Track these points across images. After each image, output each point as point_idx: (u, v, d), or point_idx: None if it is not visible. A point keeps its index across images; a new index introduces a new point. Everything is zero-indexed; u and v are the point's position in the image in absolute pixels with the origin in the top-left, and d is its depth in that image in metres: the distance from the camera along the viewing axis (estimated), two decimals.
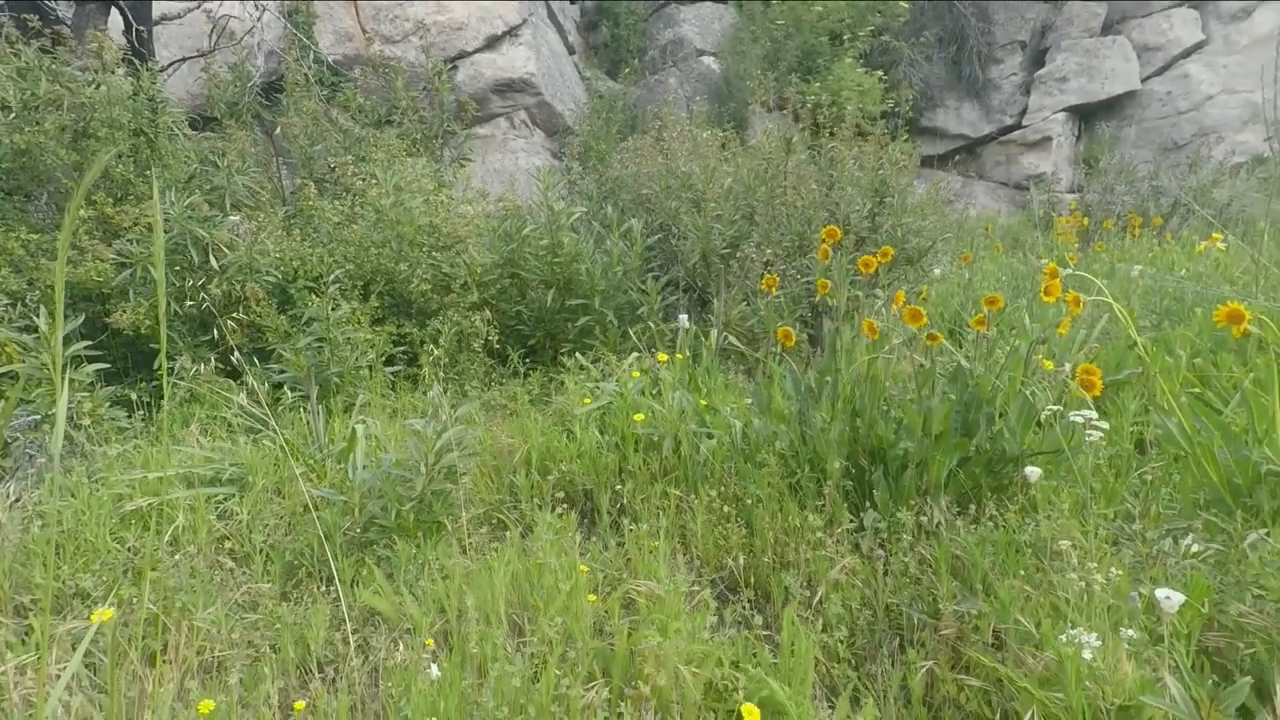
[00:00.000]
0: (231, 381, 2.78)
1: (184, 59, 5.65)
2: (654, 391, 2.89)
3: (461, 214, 3.60)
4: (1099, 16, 9.01)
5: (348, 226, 3.51)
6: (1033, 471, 2.06)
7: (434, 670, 1.18)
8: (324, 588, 1.57)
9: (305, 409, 2.32)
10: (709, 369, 3.04)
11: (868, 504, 2.24)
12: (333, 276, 2.93)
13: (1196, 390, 2.58)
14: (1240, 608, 1.51)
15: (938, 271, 5.32)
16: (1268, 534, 1.63)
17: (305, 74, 5.13)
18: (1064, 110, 9.12)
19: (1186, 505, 2.01)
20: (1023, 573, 1.74)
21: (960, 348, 3.24)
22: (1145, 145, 8.66)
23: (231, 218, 3.15)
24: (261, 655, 1.42)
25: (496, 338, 3.49)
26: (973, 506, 2.13)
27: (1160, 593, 1.46)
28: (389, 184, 3.58)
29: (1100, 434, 1.68)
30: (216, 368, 2.89)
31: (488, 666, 1.25)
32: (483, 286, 3.76)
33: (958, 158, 10.40)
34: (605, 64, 10.84)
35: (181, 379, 2.67)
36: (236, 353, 2.71)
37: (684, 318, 2.89)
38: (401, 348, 3.48)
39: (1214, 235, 3.66)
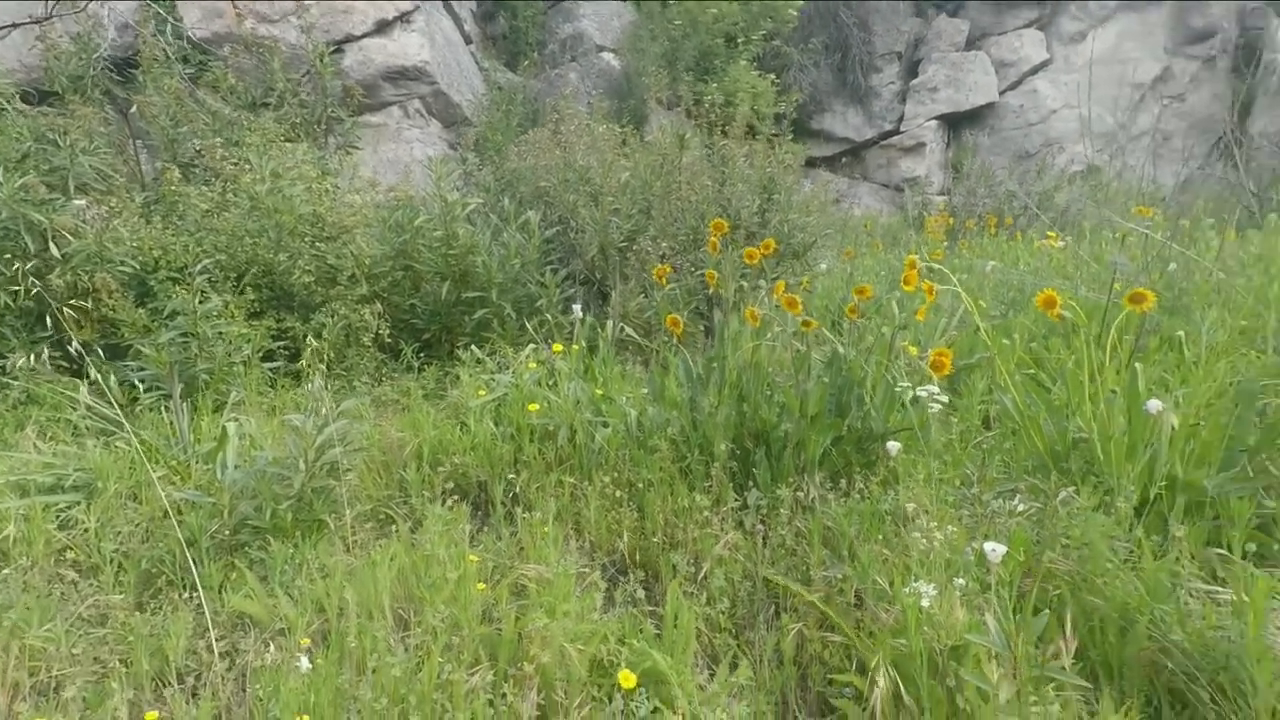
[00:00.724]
0: (78, 380, 2.53)
1: (14, 25, 5.03)
2: (550, 383, 2.91)
3: (348, 203, 3.44)
4: (963, 33, 9.85)
5: (218, 214, 3.27)
6: (893, 446, 2.26)
7: (304, 662, 1.15)
8: (187, 595, 1.47)
9: (168, 408, 2.16)
10: (605, 359, 3.10)
11: (751, 483, 2.38)
12: (200, 267, 2.72)
13: (1031, 371, 2.92)
14: (1051, 555, 1.74)
15: (824, 266, 5.66)
16: (1076, 492, 1.89)
17: (164, 49, 4.71)
18: (935, 118, 9.90)
19: (1017, 470, 2.27)
20: (881, 537, 1.91)
21: (840, 336, 3.47)
22: (1003, 153, 9.56)
23: (76, 202, 2.86)
24: (110, 671, 1.32)
25: (388, 331, 3.38)
26: (843, 481, 2.31)
27: (988, 546, 1.65)
28: (265, 170, 3.37)
29: (940, 406, 1.87)
30: (60, 366, 2.62)
31: (367, 661, 1.23)
32: (373, 279, 3.62)
33: (844, 160, 11.03)
34: (504, 55, 10.64)
35: (16, 378, 2.40)
36: (76, 346, 2.46)
37: (578, 308, 2.92)
38: (282, 343, 3.30)
39: (1049, 235, 4.12)
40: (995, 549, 1.68)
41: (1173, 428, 2.09)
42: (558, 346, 2.72)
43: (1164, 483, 2.01)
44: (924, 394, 1.89)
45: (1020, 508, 1.98)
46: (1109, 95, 8.81)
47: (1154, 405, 1.87)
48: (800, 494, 2.23)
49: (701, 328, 4.18)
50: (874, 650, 1.45)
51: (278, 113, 4.84)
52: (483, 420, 2.50)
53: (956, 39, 9.88)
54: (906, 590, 1.45)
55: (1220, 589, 1.54)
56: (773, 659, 1.74)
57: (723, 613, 1.87)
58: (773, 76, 9.86)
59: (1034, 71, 9.59)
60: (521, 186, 4.54)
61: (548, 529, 1.74)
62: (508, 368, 3.02)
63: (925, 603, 1.47)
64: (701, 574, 1.99)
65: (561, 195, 4.29)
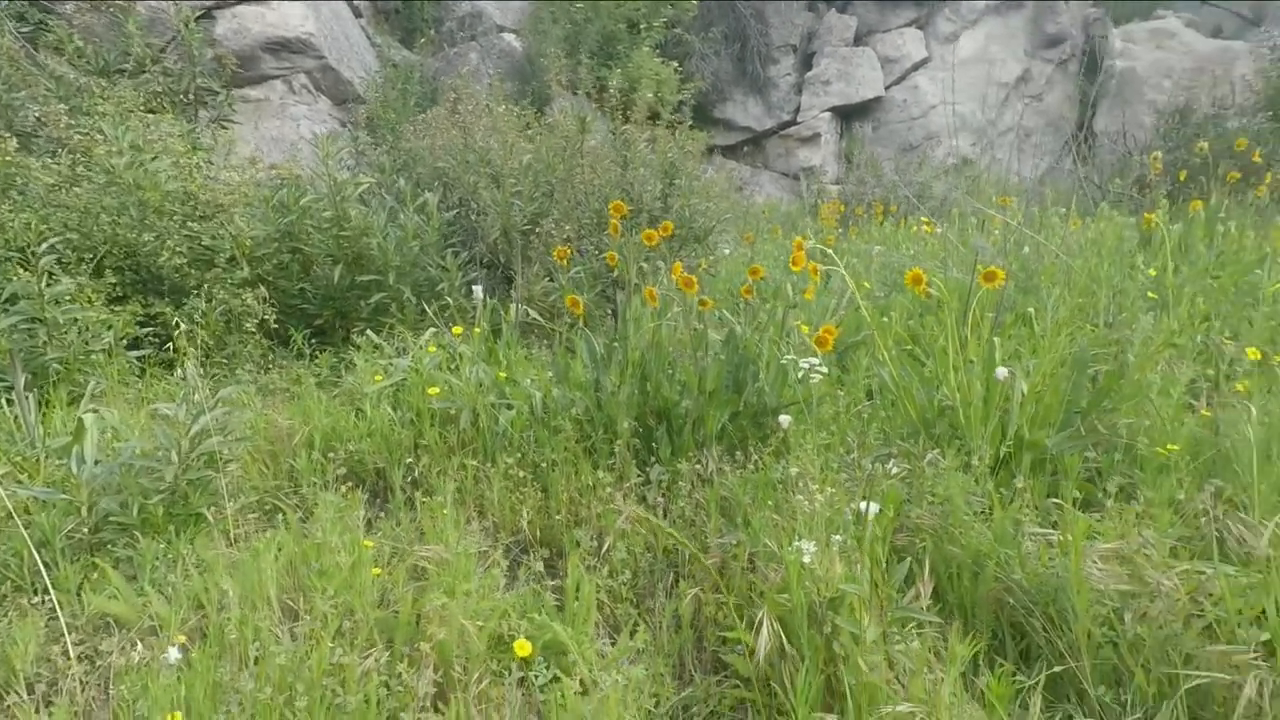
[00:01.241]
0: None
1: None
2: (452, 366, 2.85)
3: (224, 181, 3.20)
4: (851, 28, 10.36)
5: (68, 189, 2.95)
6: (785, 419, 2.40)
7: (173, 654, 1.09)
8: (38, 599, 1.34)
9: (10, 402, 1.95)
10: (509, 343, 3.07)
11: (653, 459, 2.45)
12: (46, 246, 2.45)
13: (909, 346, 3.16)
14: (918, 511, 1.92)
15: (726, 250, 5.84)
16: (940, 453, 2.08)
17: None
18: (829, 110, 10.38)
19: (895, 436, 2.47)
20: (772, 504, 2.04)
21: (739, 316, 3.62)
22: (890, 145, 10.18)
23: None
24: None
25: (274, 317, 3.19)
26: (740, 454, 2.43)
27: (863, 505, 1.80)
28: (122, 142, 3.07)
29: (820, 376, 2.01)
30: None
31: (249, 653, 1.19)
32: (255, 261, 3.40)
33: (746, 149, 11.36)
34: (398, 32, 10.15)
35: None
36: None
37: (478, 289, 2.88)
38: (151, 330, 3.04)
39: (924, 221, 4.46)
40: (870, 507, 1.83)
41: (1022, 394, 2.35)
42: (458, 329, 2.68)
43: (1013, 442, 2.26)
44: (805, 366, 2.01)
45: (894, 470, 2.16)
46: (979, 93, 9.57)
47: (1001, 373, 2.09)
48: (700, 467, 2.33)
49: (609, 310, 4.22)
50: (762, 607, 1.55)
51: (136, 80, 4.39)
52: (380, 406, 2.43)
53: (846, 34, 10.38)
54: (790, 549, 1.56)
55: (1053, 533, 1.76)
56: (671, 624, 1.82)
57: (624, 584, 1.93)
58: (675, 64, 9.99)
59: (915, 68, 10.25)
60: (419, 167, 4.39)
61: (446, 511, 1.73)
62: (407, 352, 2.94)
63: (806, 559, 1.58)
64: (605, 548, 2.05)
65: (461, 177, 4.19)
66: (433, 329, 2.91)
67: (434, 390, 2.38)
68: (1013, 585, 1.72)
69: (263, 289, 3.17)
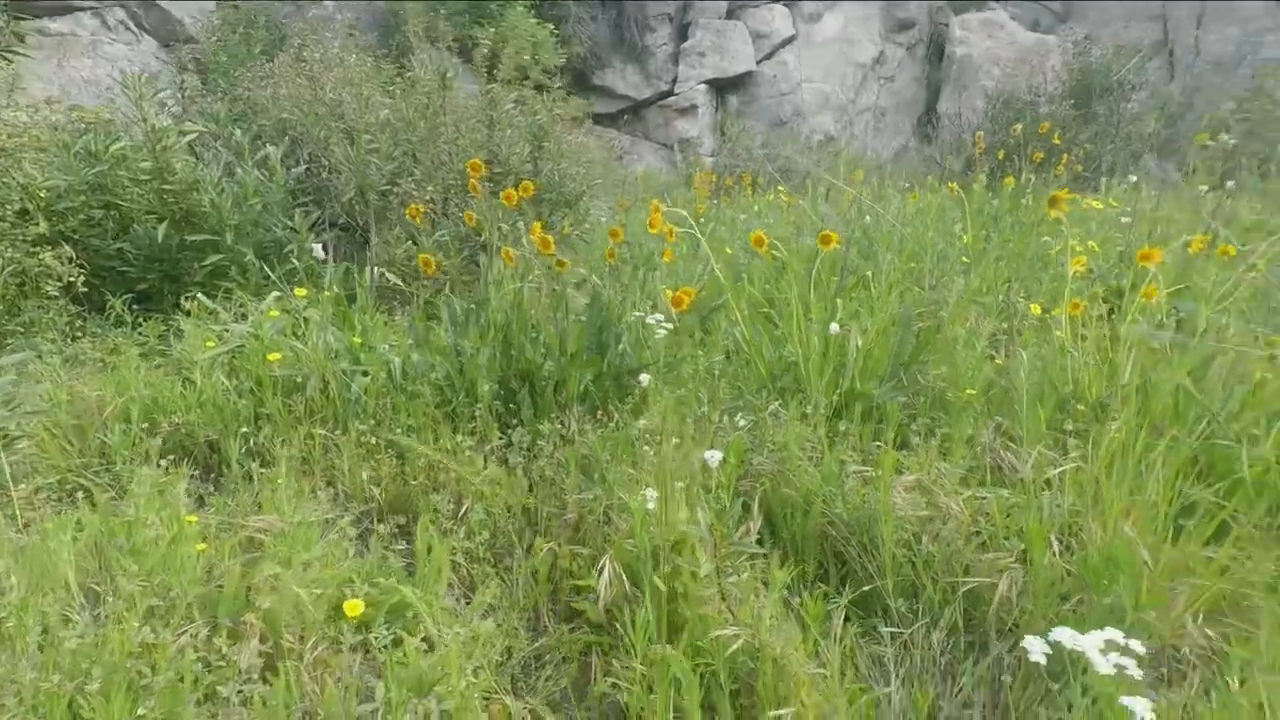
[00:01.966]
0: None
1: None
2: (300, 332, 2.68)
3: (7, 121, 2.76)
4: (724, 2, 10.56)
5: None
6: (644, 378, 2.48)
7: None
8: None
9: None
10: (364, 307, 2.93)
11: (517, 422, 2.45)
12: None
13: (765, 309, 3.36)
14: (759, 459, 2.07)
15: (603, 218, 5.86)
16: (783, 405, 2.25)
17: None
18: (705, 82, 10.56)
19: (749, 391, 2.64)
20: (629, 459, 2.12)
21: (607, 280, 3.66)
22: (762, 119, 10.56)
23: None
24: None
25: (83, 280, 2.82)
26: (601, 413, 2.48)
27: (708, 454, 1.91)
28: None
29: (665, 332, 2.10)
30: None
31: (28, 641, 1.08)
32: (57, 216, 2.98)
33: (626, 117, 11.33)
34: None
35: None
36: None
37: (318, 248, 2.70)
38: None
39: (781, 192, 4.71)
40: (714, 456, 1.94)
41: (857, 349, 2.57)
42: (301, 291, 2.51)
43: (848, 393, 2.48)
44: (652, 321, 2.09)
45: (741, 422, 2.30)
46: (840, 72, 10.13)
47: (834, 329, 2.27)
48: (562, 428, 2.36)
49: (478, 274, 4.12)
50: (614, 554, 1.62)
51: None
52: (212, 375, 2.24)
53: (719, 7, 10.56)
54: (634, 498, 1.64)
55: (870, 470, 1.96)
56: (528, 579, 1.86)
57: (483, 544, 1.94)
58: (551, 26, 9.72)
59: (784, 45, 10.65)
60: (260, 119, 4.01)
61: (281, 481, 1.65)
62: (248, 318, 2.72)
63: (650, 505, 1.67)
64: (463, 511, 2.04)
65: (310, 130, 3.88)
66: (276, 293, 2.71)
67: (274, 356, 2.23)
68: (835, 519, 1.91)
69: (67, 248, 2.79)
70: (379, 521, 2.08)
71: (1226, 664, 1.11)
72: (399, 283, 3.27)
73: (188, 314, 2.67)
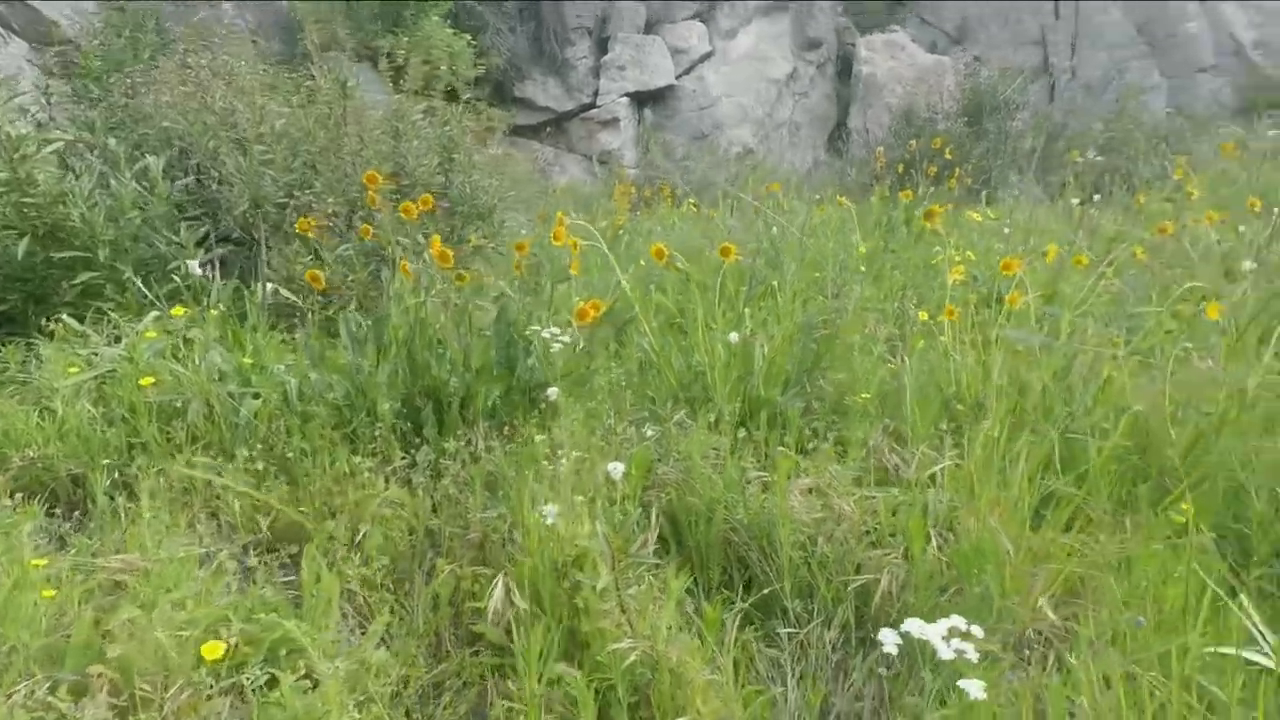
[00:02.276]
0: None
1: None
2: (182, 354, 2.51)
3: None
4: (642, 16, 10.74)
5: None
6: (553, 391, 2.47)
7: None
8: None
9: None
10: (256, 325, 2.78)
11: (421, 441, 2.38)
12: None
13: (678, 319, 3.40)
14: (664, 469, 2.09)
15: (524, 230, 5.80)
16: (690, 414, 2.28)
17: None
18: (626, 95, 10.68)
19: (660, 401, 2.66)
20: (535, 474, 2.09)
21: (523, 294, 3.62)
22: (683, 133, 10.76)
23: None
24: None
25: None
26: (509, 429, 2.45)
27: (610, 466, 1.92)
28: None
29: (562, 345, 2.09)
30: None
31: None
32: None
33: (548, 130, 11.31)
34: None
35: None
36: None
37: (194, 264, 2.55)
38: None
39: (693, 204, 4.82)
40: (617, 467, 1.95)
41: (763, 357, 2.64)
42: (178, 310, 2.35)
43: (753, 400, 2.54)
44: (547, 335, 2.09)
45: (650, 433, 2.32)
46: (756, 88, 10.47)
47: (733, 338, 2.33)
48: (470, 446, 2.31)
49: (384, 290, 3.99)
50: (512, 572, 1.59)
51: None
52: (76, 403, 2.07)
53: (638, 21, 10.73)
54: (533, 513, 1.62)
55: (768, 475, 2.01)
56: (429, 604, 1.80)
57: (381, 570, 1.86)
58: (469, 37, 9.60)
59: (702, 60, 10.91)
60: (142, 127, 3.76)
61: (146, 515, 1.53)
62: (123, 340, 2.53)
63: (550, 521, 1.65)
64: (359, 536, 1.95)
65: (199, 140, 3.66)
66: (155, 313, 2.54)
67: (147, 381, 2.08)
68: (737, 525, 1.95)
69: None
70: (268, 552, 1.97)
71: (1075, 643, 1.20)
72: (294, 299, 3.12)
73: (51, 336, 2.46)
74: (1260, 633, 1.08)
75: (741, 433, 2.46)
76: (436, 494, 2.14)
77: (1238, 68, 11.15)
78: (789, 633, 1.65)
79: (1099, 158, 4.12)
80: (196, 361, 2.32)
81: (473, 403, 2.50)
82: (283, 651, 1.38)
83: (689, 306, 3.54)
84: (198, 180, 3.59)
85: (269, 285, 2.79)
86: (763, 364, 2.61)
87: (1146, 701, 1.08)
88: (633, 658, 1.42)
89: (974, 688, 0.83)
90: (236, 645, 1.40)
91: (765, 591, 1.75)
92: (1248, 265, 2.30)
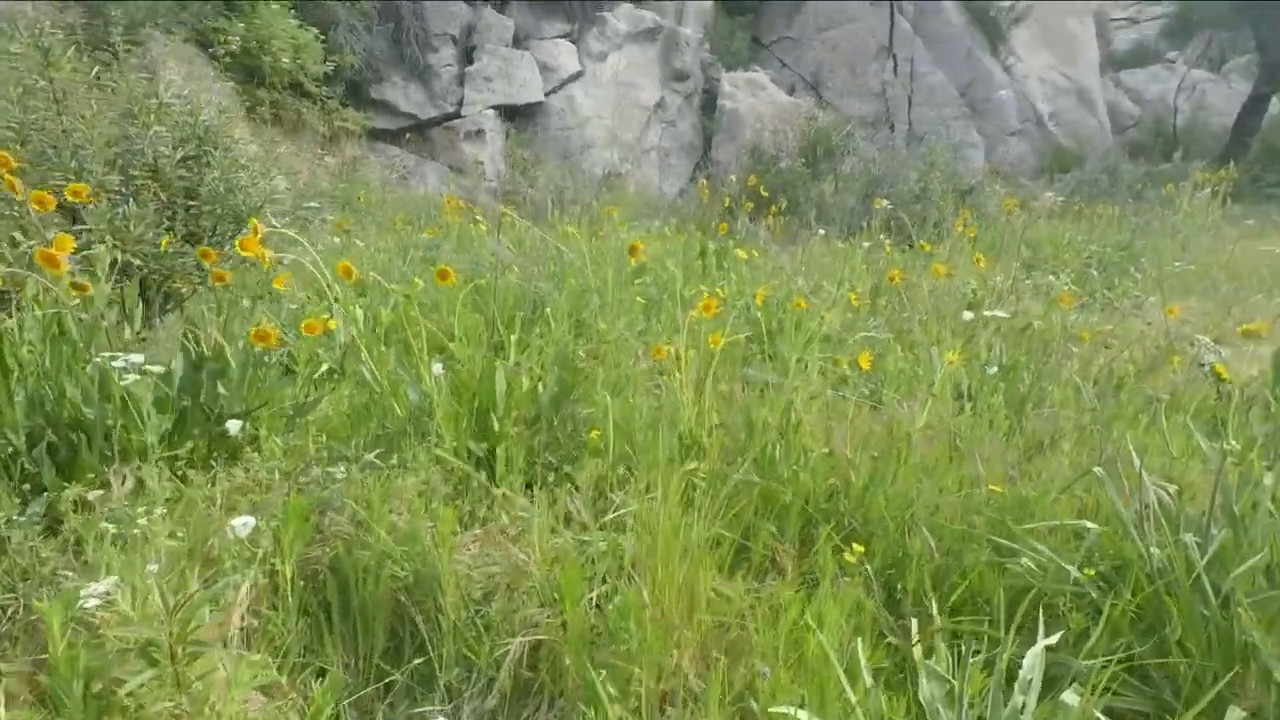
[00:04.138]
0: None
1: None
2: None
3: None
4: (510, 30, 10.50)
5: None
6: (234, 424, 2.09)
7: None
8: None
9: None
10: None
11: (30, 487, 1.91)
12: None
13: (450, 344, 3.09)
14: (336, 518, 1.77)
15: (336, 239, 5.31)
16: (391, 453, 1.98)
17: None
18: (493, 108, 10.34)
19: (393, 434, 2.33)
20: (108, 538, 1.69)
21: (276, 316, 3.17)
22: (553, 149, 10.55)
23: None
24: None
25: None
26: (187, 463, 2.03)
27: (238, 521, 1.57)
28: None
29: (139, 378, 1.75)
30: None
31: None
32: None
33: (409, 136, 10.75)
34: None
35: None
36: None
37: None
38: None
39: (508, 218, 4.57)
40: (246, 523, 1.60)
41: (506, 389, 2.38)
42: None
43: (493, 435, 2.28)
44: (121, 364, 1.72)
45: (340, 475, 1.99)
46: (626, 113, 10.48)
47: (437, 369, 2.06)
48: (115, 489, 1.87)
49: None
50: None
51: None
52: None
53: (505, 35, 10.48)
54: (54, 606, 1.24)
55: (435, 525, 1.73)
56: None
57: None
58: (317, 31, 8.95)
59: (572, 80, 10.80)
60: None
61: None
62: None
63: (92, 603, 1.28)
64: None
65: None
66: None
67: None
68: (407, 584, 1.67)
69: None
70: None
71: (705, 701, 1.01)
72: None
73: None
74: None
75: (482, 472, 2.19)
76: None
77: (1038, 134, 12.76)
78: (440, 710, 1.38)
79: (890, 205, 4.36)
80: None
81: (130, 435, 2.07)
82: None
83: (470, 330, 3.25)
84: None
85: None
86: (504, 396, 2.36)
87: None
88: None
89: None
90: None
91: (417, 662, 1.46)
92: (967, 316, 2.34)
